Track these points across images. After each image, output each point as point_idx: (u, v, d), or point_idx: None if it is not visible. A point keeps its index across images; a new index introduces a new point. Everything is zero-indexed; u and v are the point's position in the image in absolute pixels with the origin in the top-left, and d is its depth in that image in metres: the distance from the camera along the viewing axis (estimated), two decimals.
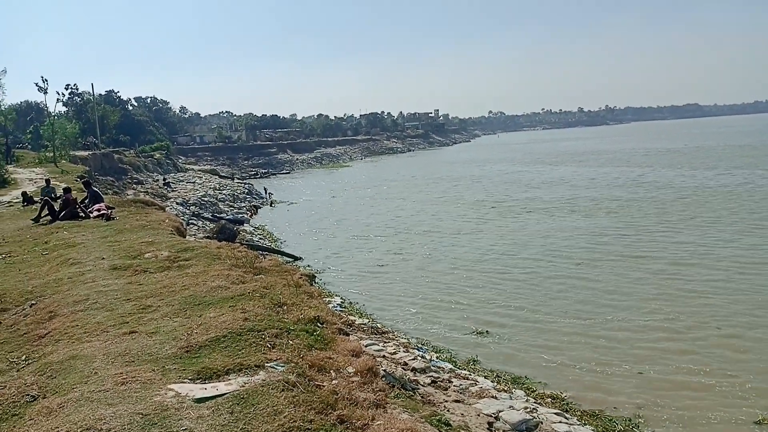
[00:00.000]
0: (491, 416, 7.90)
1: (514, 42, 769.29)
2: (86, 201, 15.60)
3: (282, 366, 4.75)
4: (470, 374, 10.57)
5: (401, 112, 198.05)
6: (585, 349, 12.10)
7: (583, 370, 11.16)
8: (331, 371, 4.93)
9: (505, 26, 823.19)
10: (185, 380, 4.56)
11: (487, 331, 13.34)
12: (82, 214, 14.49)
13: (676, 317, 13.56)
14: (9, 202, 20.61)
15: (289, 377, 4.49)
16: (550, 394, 10.01)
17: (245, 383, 4.42)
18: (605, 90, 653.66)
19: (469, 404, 8.76)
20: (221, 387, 4.38)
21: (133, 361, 4.96)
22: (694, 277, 16.78)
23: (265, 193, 48.68)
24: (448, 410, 7.61)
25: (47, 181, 20.97)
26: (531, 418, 8.09)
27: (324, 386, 4.53)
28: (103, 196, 16.96)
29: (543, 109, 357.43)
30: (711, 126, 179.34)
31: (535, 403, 9.29)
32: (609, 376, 10.88)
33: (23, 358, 5.59)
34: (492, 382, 10.26)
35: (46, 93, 42.28)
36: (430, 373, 9.92)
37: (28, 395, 4.57)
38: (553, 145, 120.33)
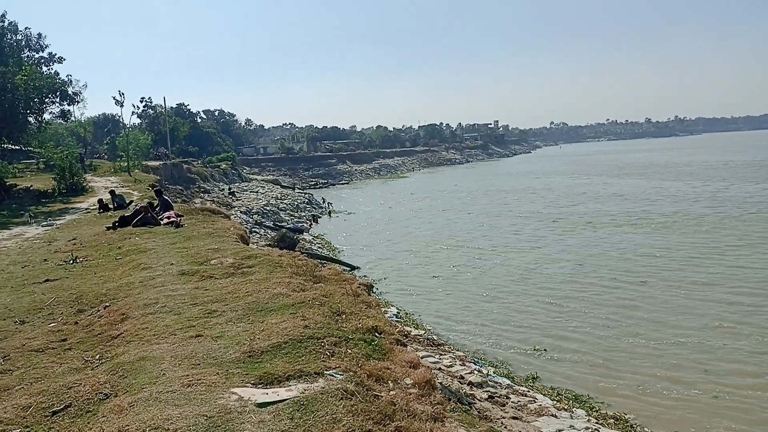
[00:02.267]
0: None
1: (577, 51, 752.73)
2: (157, 208, 16.31)
3: (341, 374, 4.79)
4: (528, 391, 10.32)
5: (460, 124, 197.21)
6: (651, 370, 11.57)
7: (649, 392, 10.67)
8: (389, 382, 4.93)
9: (569, 36, 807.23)
10: (248, 384, 4.67)
11: (545, 349, 12.99)
12: (153, 221, 15.15)
13: (752, 343, 12.75)
14: (86, 208, 21.83)
15: (348, 386, 4.52)
16: (613, 415, 9.64)
17: (305, 390, 4.49)
18: (674, 100, 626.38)
19: (528, 422, 8.54)
20: (282, 392, 4.46)
21: (199, 364, 5.13)
22: (765, 295, 15.78)
23: (324, 203, 49.46)
24: (505, 427, 7.45)
25: (112, 191, 22.00)
26: None
27: (382, 396, 4.54)
28: (173, 204, 17.69)
29: (608, 119, 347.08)
30: None
31: (597, 423, 8.97)
32: (678, 398, 10.36)
33: (97, 357, 5.88)
34: (552, 400, 9.97)
35: (122, 106, 44.73)
36: (487, 388, 9.75)
37: (101, 393, 4.80)
38: (617, 156, 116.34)
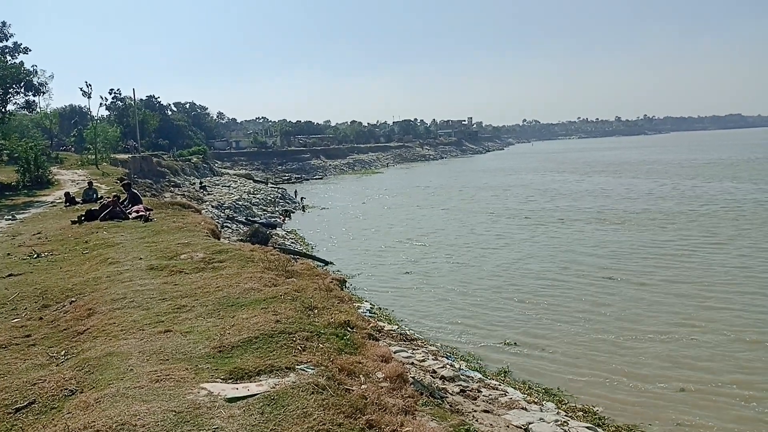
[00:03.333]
0: (521, 428, 7.78)
1: (550, 51, 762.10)
2: (126, 202, 16.01)
3: (312, 369, 4.78)
4: (500, 384, 10.43)
5: (434, 120, 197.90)
6: (619, 364, 11.81)
7: (617, 385, 10.89)
8: (361, 376, 4.94)
9: (543, 36, 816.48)
10: (217, 380, 4.62)
11: (515, 343, 13.16)
12: (122, 214, 14.87)
13: (717, 333, 13.13)
14: (52, 202, 21.33)
15: (319, 380, 4.51)
16: (582, 408, 9.80)
17: (276, 384, 4.46)
18: (644, 99, 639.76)
19: (498, 415, 8.64)
20: (252, 387, 4.43)
21: (168, 360, 5.06)
22: (734, 292, 16.23)
23: (298, 197, 49.19)
24: (476, 420, 7.52)
25: (89, 183, 21.62)
26: (562, 431, 7.93)
27: (353, 390, 4.54)
28: (142, 198, 17.39)
29: (579, 117, 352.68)
30: (755, 137, 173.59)
31: (566, 416, 9.11)
32: (645, 391, 10.60)
33: (63, 353, 5.75)
34: (522, 393, 10.10)
35: (89, 98, 43.76)
36: (459, 382, 9.82)
37: (66, 389, 4.70)
38: (588, 154, 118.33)
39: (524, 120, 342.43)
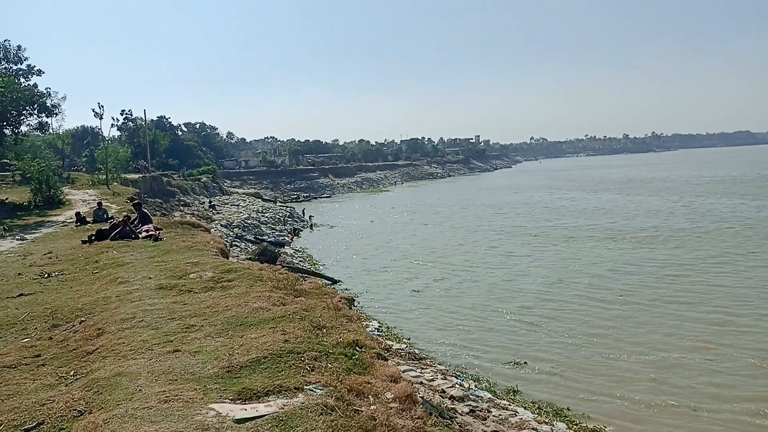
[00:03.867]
0: None
1: (557, 69, 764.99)
2: (136, 222, 16.11)
3: (321, 389, 4.75)
4: (510, 404, 10.33)
5: (442, 138, 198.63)
6: (629, 385, 11.66)
7: (629, 405, 10.74)
8: (370, 396, 4.90)
9: (550, 54, 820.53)
10: (226, 400, 4.61)
11: (525, 362, 13.04)
12: (131, 234, 14.96)
13: (733, 361, 12.89)
14: (63, 222, 21.48)
15: (328, 401, 4.49)
16: (593, 429, 9.68)
17: (284, 405, 4.44)
18: (651, 116, 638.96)
19: None
20: (261, 408, 4.41)
21: (176, 380, 5.05)
22: (745, 314, 16.02)
23: (306, 216, 49.30)
24: None
25: (99, 203, 21.79)
26: None
27: (362, 411, 4.51)
28: (152, 218, 17.49)
29: (586, 135, 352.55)
30: (765, 153, 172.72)
31: None
32: (657, 413, 10.44)
33: (72, 373, 5.75)
34: (532, 413, 9.99)
35: (101, 118, 44.41)
36: (469, 402, 9.74)
37: (75, 410, 4.69)
38: (596, 172, 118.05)
39: (532, 138, 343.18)
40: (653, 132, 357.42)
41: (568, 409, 10.53)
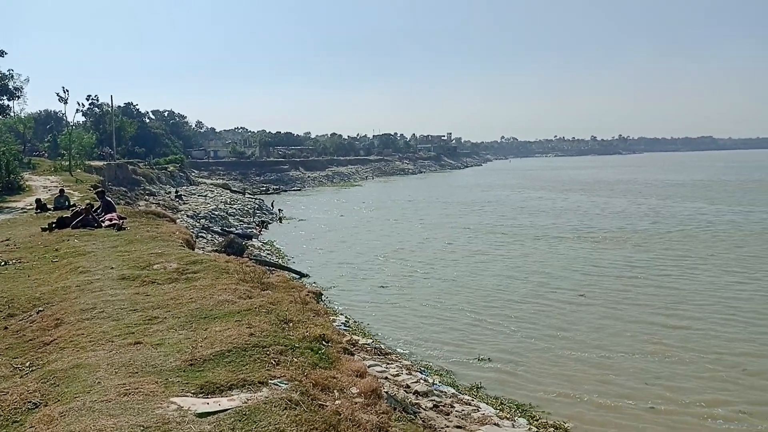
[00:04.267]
0: None
1: (529, 70, 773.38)
2: (99, 210, 15.73)
3: (286, 383, 4.72)
4: (473, 400, 10.45)
5: (414, 134, 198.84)
6: (590, 381, 11.92)
7: (588, 401, 10.98)
8: (335, 391, 4.90)
9: (522, 54, 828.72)
10: (188, 394, 4.54)
11: (489, 358, 13.21)
12: (94, 223, 14.60)
13: (687, 352, 13.34)
14: (23, 208, 20.86)
15: (293, 395, 4.46)
16: (554, 424, 9.87)
17: (248, 399, 4.40)
18: (619, 119, 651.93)
19: (471, 431, 8.65)
20: (224, 402, 4.36)
21: (137, 372, 4.96)
22: (705, 312, 16.54)
23: (275, 209, 48.90)
24: None
25: (61, 190, 21.21)
26: None
27: (327, 406, 4.50)
28: (116, 206, 17.11)
29: (556, 136, 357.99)
30: (726, 159, 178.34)
31: None
32: (615, 409, 10.70)
33: (27, 364, 5.60)
34: (494, 408, 10.13)
35: (66, 103, 43.16)
36: (432, 397, 9.83)
37: (30, 402, 4.57)
38: (564, 172, 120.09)
39: (502, 137, 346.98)
40: (620, 135, 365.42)
41: (530, 405, 10.70)
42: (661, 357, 13.10)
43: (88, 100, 67.57)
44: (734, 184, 70.64)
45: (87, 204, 16.13)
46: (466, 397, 10.55)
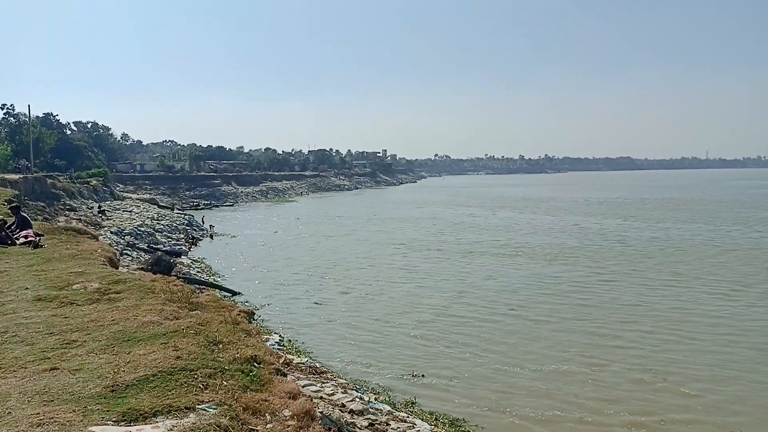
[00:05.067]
0: None
1: (461, 89, 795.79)
2: (13, 226, 14.78)
3: (214, 408, 4.56)
4: (408, 417, 10.45)
5: (350, 150, 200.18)
6: (522, 396, 12.19)
7: (520, 417, 11.20)
8: (267, 414, 4.77)
9: (454, 72, 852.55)
10: (108, 422, 4.29)
11: (423, 375, 13.28)
12: (8, 240, 13.69)
13: (614, 370, 13.82)
14: None
15: (222, 420, 4.31)
16: None
17: (173, 426, 4.21)
18: (545, 140, 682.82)
19: None
20: (147, 430, 4.15)
21: (53, 401, 4.65)
22: (628, 330, 17.34)
23: (206, 225, 47.56)
24: None
25: None
26: None
27: (258, 430, 4.37)
28: (32, 223, 16.13)
29: (486, 154, 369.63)
30: (643, 178, 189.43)
31: None
32: (547, 421, 10.97)
33: None
34: (429, 425, 10.17)
35: None
36: (368, 416, 9.74)
37: None
38: (495, 190, 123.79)
39: (436, 155, 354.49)
40: (546, 154, 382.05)
41: (464, 420, 10.82)
42: (590, 370, 13.58)
43: (2, 109, 63.73)
44: (653, 202, 75.10)
45: (0, 220, 15.11)
46: (402, 414, 10.53)
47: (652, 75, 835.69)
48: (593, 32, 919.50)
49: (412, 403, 11.58)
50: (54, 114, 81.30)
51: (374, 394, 11.75)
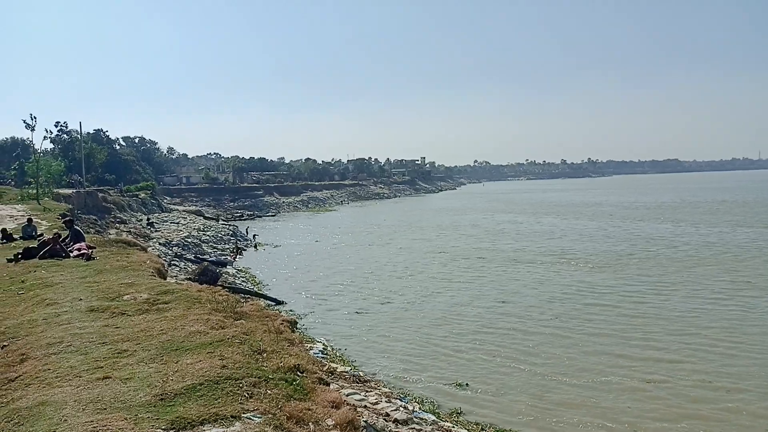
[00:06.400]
0: None
1: (502, 95, 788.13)
2: (67, 240, 15.39)
3: (259, 417, 4.62)
4: (453, 427, 10.36)
5: (388, 159, 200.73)
6: (569, 404, 11.93)
7: (568, 424, 10.97)
8: (310, 423, 4.80)
9: (495, 80, 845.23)
10: (158, 430, 4.41)
11: (467, 384, 13.13)
12: (62, 253, 14.26)
13: (671, 381, 13.29)
14: None
15: (266, 429, 4.36)
16: None
17: None
18: (588, 143, 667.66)
19: None
20: None
21: (105, 409, 4.80)
22: (678, 330, 16.76)
23: (250, 235, 48.46)
24: None
25: (29, 220, 20.70)
26: None
27: None
28: (85, 235, 16.76)
29: (527, 159, 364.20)
30: (691, 181, 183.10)
31: None
32: (596, 430, 10.70)
33: None
34: None
35: (33, 130, 42.47)
36: (413, 425, 9.71)
37: None
38: (537, 195, 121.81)
39: (475, 161, 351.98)
40: (589, 158, 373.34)
41: (511, 430, 10.65)
42: (643, 377, 13.16)
43: (56, 126, 66.90)
44: (703, 205, 72.39)
45: (55, 233, 15.76)
46: (447, 424, 10.45)
47: (700, 75, 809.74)
48: (634, 35, 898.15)
49: (458, 412, 11.47)
50: (104, 130, 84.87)
51: (418, 403, 11.70)
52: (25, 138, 75.05)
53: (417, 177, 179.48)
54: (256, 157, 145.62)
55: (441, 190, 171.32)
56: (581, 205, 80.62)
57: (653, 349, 15.30)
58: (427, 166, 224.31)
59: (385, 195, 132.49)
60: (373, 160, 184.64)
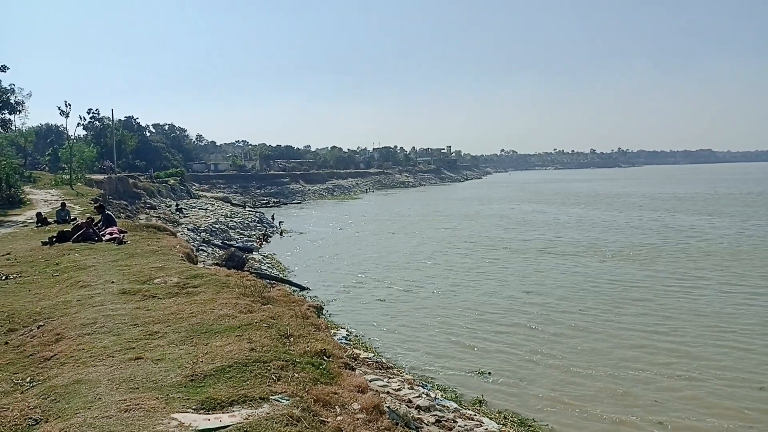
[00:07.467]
0: None
1: (529, 83, 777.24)
2: (99, 224, 15.75)
3: (287, 399, 4.70)
4: (475, 414, 10.38)
5: (414, 147, 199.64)
6: (592, 394, 11.85)
7: (592, 418, 10.90)
8: (336, 407, 4.87)
9: (521, 68, 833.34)
10: (189, 410, 4.52)
11: (490, 372, 13.12)
12: (95, 237, 14.61)
13: (703, 371, 13.10)
14: (23, 222, 20.87)
15: (294, 411, 4.44)
16: None
17: (249, 416, 4.37)
18: (618, 132, 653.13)
19: None
20: (225, 419, 4.33)
21: (138, 388, 4.94)
22: (710, 326, 16.45)
23: (275, 222, 48.93)
24: None
25: (62, 204, 21.24)
26: None
27: (329, 422, 4.47)
28: (116, 220, 17.12)
29: (555, 149, 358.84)
30: (725, 171, 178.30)
31: None
32: (620, 422, 10.62)
33: (28, 380, 5.57)
34: (498, 423, 10.06)
35: (67, 117, 43.42)
36: (435, 412, 9.75)
37: (30, 419, 4.54)
38: (565, 185, 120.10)
39: (502, 150, 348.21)
40: (619, 147, 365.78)
41: (534, 420, 10.63)
42: (670, 372, 12.97)
43: (89, 113, 68.07)
44: (737, 197, 70.39)
45: (88, 218, 16.15)
46: (469, 411, 10.47)
47: (734, 62, 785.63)
48: (665, 20, 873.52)
49: (480, 401, 11.48)
50: (135, 117, 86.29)
51: (440, 391, 11.74)
52: (59, 125, 76.87)
53: (442, 166, 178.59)
54: (282, 145, 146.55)
55: (466, 179, 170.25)
56: (609, 196, 79.24)
57: (683, 345, 14.99)
58: (453, 154, 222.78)
59: (410, 183, 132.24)
60: (398, 148, 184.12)
